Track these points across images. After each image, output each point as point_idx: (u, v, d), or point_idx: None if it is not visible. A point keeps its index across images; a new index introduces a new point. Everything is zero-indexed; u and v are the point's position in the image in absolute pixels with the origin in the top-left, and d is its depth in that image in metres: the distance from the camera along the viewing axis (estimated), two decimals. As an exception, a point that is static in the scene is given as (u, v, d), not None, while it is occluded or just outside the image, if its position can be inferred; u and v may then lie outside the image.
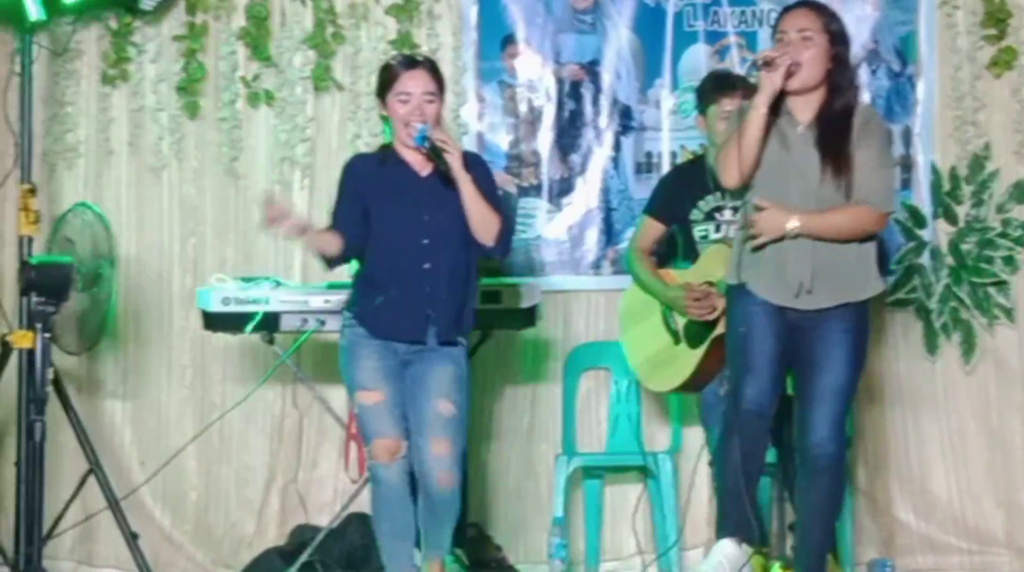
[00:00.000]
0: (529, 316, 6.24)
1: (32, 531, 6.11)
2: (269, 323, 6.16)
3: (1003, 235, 6.82)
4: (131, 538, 6.27)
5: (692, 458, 6.50)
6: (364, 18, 6.92)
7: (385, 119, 5.48)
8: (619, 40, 6.91)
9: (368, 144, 6.66)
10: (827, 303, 5.20)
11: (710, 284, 5.81)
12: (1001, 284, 6.80)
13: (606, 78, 6.91)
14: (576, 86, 6.94)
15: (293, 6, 6.93)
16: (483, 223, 5.32)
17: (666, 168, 6.84)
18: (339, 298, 5.96)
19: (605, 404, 6.85)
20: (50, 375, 6.12)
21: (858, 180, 5.17)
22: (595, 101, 6.92)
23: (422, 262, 5.35)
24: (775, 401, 5.25)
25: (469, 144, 6.81)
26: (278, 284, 6.28)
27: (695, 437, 6.58)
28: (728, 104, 5.90)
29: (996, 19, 6.83)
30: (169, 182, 7.00)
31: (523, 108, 6.94)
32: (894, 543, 6.74)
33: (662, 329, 6.05)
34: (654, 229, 6.21)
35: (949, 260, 6.83)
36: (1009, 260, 6.81)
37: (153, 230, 6.98)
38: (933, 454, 6.83)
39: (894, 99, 6.90)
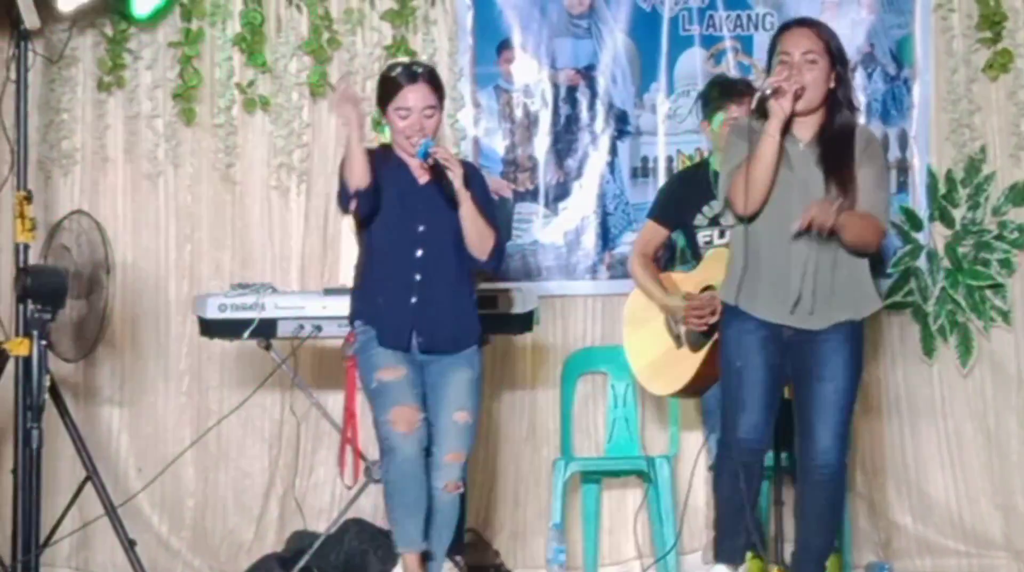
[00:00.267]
0: (526, 321, 6.24)
1: (29, 538, 6.09)
2: (266, 329, 6.15)
3: (999, 238, 6.83)
4: (128, 545, 6.25)
5: (690, 462, 6.49)
6: (360, 24, 6.92)
7: (380, 123, 5.47)
8: (615, 45, 6.91)
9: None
10: (825, 324, 5.23)
11: (711, 288, 5.81)
12: (997, 287, 6.81)
13: (602, 83, 6.92)
14: (572, 91, 6.94)
15: (289, 12, 6.93)
16: (479, 239, 5.35)
17: (662, 173, 6.85)
18: (336, 304, 5.96)
19: (603, 409, 6.84)
20: (47, 382, 6.10)
21: (859, 198, 5.19)
22: (591, 106, 6.92)
23: (413, 273, 5.37)
24: (769, 433, 5.29)
25: (466, 149, 6.82)
26: (275, 290, 6.27)
27: (693, 441, 6.60)
28: (736, 111, 5.88)
29: (991, 22, 6.83)
30: (165, 189, 7.00)
31: (519, 113, 6.94)
32: (892, 546, 6.74)
33: (664, 333, 6.05)
34: (658, 234, 6.20)
35: (945, 263, 6.84)
36: (1005, 263, 6.82)
37: (149, 237, 6.98)
38: (930, 457, 6.84)
39: (890, 102, 6.90)
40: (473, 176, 5.44)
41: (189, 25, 6.93)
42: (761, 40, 6.66)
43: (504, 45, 6.94)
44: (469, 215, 5.32)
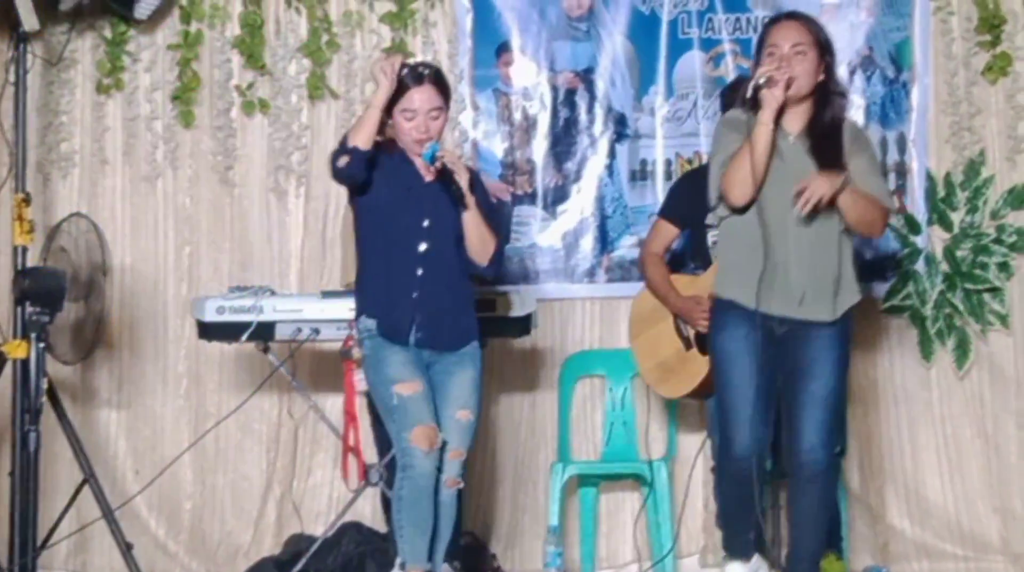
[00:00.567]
0: (524, 324, 6.22)
1: (27, 541, 6.08)
2: (264, 332, 6.13)
3: (998, 241, 6.82)
4: (126, 548, 6.25)
5: (688, 465, 6.49)
6: (359, 26, 6.92)
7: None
8: (614, 48, 6.91)
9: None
10: (821, 315, 5.23)
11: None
12: (996, 290, 6.81)
13: (601, 86, 6.91)
14: (571, 94, 6.94)
15: (288, 14, 6.93)
16: (481, 245, 5.35)
17: (661, 176, 6.85)
18: (334, 307, 5.96)
19: (600, 412, 6.84)
20: (44, 385, 6.09)
21: (860, 184, 5.23)
22: (590, 109, 6.92)
23: (416, 267, 5.36)
24: (766, 438, 5.31)
25: (464, 151, 6.81)
26: (273, 293, 6.26)
27: (690, 444, 6.59)
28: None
29: (990, 25, 6.83)
30: (164, 191, 7.00)
31: (518, 116, 6.94)
32: (889, 550, 6.73)
33: (673, 335, 6.04)
34: (668, 232, 6.20)
35: (944, 266, 6.83)
36: (1004, 266, 6.81)
37: (148, 239, 6.98)
38: (928, 460, 6.83)
39: (889, 105, 6.90)
40: (476, 182, 5.43)
41: (188, 27, 6.93)
42: (760, 43, 6.66)
43: (503, 48, 6.93)
44: (474, 221, 5.32)
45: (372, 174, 5.30)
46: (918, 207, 6.86)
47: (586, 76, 6.93)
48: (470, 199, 5.29)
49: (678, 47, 6.90)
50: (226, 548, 6.84)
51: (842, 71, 6.79)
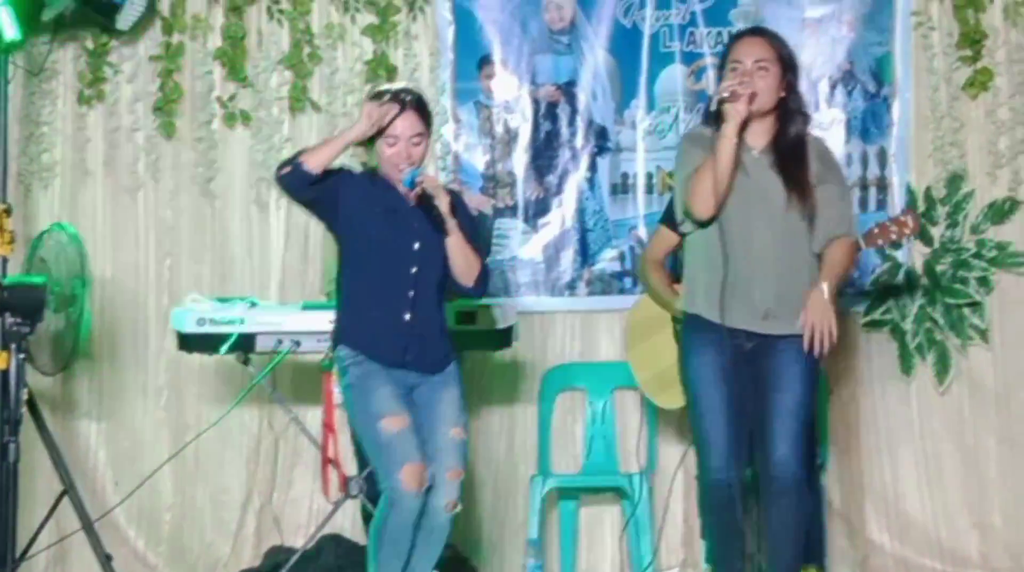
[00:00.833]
0: (504, 337, 6.21)
1: (5, 553, 6.06)
2: (244, 344, 6.11)
3: (977, 256, 6.83)
4: (105, 560, 6.24)
5: (668, 479, 6.50)
6: (341, 39, 6.92)
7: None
8: (595, 61, 6.92)
9: (344, 166, 6.63)
10: (787, 329, 5.24)
11: None
12: (975, 305, 6.82)
13: (582, 99, 6.92)
14: (552, 107, 6.95)
15: (270, 26, 6.93)
16: (467, 267, 5.34)
17: (642, 189, 6.87)
18: (315, 319, 5.95)
19: (581, 425, 6.85)
20: (24, 396, 6.09)
21: (828, 214, 5.27)
22: (571, 122, 6.93)
23: (407, 289, 5.34)
24: (741, 461, 5.29)
25: (447, 164, 6.82)
26: (253, 305, 6.25)
27: (671, 458, 6.59)
28: None
29: (971, 40, 6.85)
30: (145, 202, 7.00)
31: (499, 129, 6.95)
32: (869, 564, 6.74)
33: (672, 344, 6.02)
34: (668, 239, 6.17)
35: (924, 281, 6.84)
36: (984, 281, 6.82)
37: (129, 251, 6.98)
38: (908, 475, 6.83)
39: (869, 120, 6.91)
40: (458, 204, 5.42)
41: (170, 39, 6.94)
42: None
43: (485, 61, 6.95)
44: (457, 244, 5.31)
45: (337, 198, 5.28)
46: (898, 222, 6.87)
47: (568, 89, 6.94)
48: (451, 224, 5.26)
49: (660, 61, 6.91)
50: (206, 560, 6.83)
51: (823, 86, 6.85)
